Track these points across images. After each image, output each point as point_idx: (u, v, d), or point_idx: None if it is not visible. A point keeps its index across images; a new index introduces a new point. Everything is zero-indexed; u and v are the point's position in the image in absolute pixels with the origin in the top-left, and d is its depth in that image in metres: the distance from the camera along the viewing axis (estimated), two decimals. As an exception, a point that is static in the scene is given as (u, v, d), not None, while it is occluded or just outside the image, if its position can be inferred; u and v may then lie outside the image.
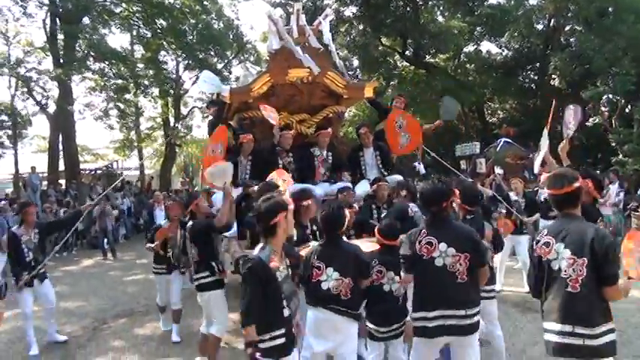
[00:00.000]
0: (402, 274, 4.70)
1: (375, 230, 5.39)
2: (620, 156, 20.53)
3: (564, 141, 5.67)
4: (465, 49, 30.67)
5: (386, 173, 8.30)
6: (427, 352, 4.46)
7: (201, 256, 6.29)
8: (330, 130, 8.49)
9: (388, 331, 4.93)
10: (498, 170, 17.77)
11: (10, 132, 27.11)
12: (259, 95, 8.35)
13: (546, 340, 3.78)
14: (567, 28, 27.72)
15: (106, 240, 17.11)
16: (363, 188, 8.07)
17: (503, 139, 21.56)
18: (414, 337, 4.47)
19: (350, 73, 26.65)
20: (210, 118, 9.68)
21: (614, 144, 21.46)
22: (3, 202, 16.11)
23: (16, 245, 7.49)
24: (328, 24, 9.34)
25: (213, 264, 6.27)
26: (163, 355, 7.24)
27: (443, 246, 4.25)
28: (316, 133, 8.56)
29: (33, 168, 22.05)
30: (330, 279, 4.64)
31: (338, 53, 11.46)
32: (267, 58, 8.91)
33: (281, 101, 8.63)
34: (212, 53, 30.20)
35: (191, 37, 28.94)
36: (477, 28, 28.88)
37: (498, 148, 20.92)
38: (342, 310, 4.61)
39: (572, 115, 6.02)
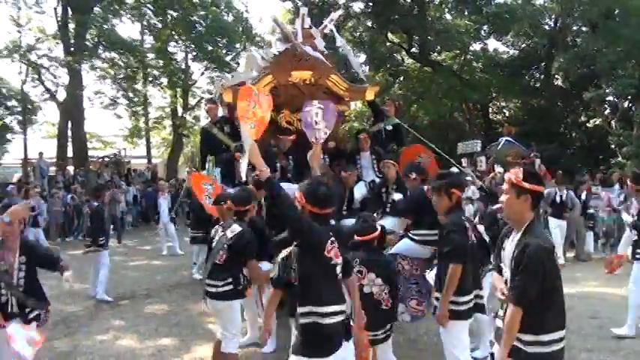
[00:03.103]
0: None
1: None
2: (620, 158, 20.74)
3: (314, 147, 5.08)
4: (472, 48, 30.82)
5: (381, 176, 8.36)
6: None
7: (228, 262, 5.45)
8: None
9: (373, 336, 4.71)
10: (499, 169, 17.97)
11: (20, 117, 27.60)
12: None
13: (550, 352, 3.47)
14: (574, 28, 27.83)
15: (112, 226, 17.49)
16: (359, 190, 8.21)
17: (504, 138, 21.71)
18: None
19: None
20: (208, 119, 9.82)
21: (613, 146, 21.66)
22: (11, 186, 16.59)
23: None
24: (334, 27, 9.65)
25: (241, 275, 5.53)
26: (162, 335, 7.56)
27: None
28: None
29: (40, 154, 22.39)
30: None
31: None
32: (271, 59, 9.03)
33: (282, 100, 8.73)
34: (221, 45, 30.48)
35: (201, 29, 29.25)
36: (484, 27, 29.02)
37: (499, 147, 21.05)
38: None
39: (315, 115, 5.50)
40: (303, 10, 9.24)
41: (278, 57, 8.67)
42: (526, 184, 3.52)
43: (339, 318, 3.94)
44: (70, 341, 7.41)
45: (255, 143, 4.23)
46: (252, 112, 4.23)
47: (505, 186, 3.67)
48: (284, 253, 4.45)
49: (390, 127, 9.43)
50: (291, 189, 7.26)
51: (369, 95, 9.24)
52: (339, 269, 4.01)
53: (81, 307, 9.27)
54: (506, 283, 3.57)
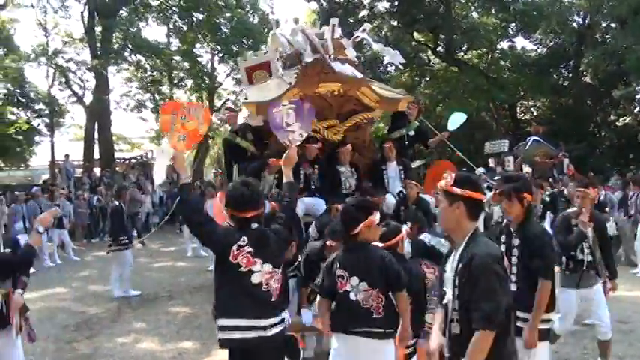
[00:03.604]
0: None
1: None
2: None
3: (288, 150, 4.60)
4: (499, 46, 30.46)
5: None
6: None
7: None
8: (349, 146, 8.20)
9: None
10: (526, 169, 17.69)
11: (47, 120, 27.94)
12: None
13: None
14: (603, 25, 27.33)
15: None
16: (390, 202, 7.93)
17: (532, 137, 21.39)
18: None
19: (381, 69, 26.78)
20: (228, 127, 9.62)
21: (643, 145, 21.25)
22: (35, 188, 16.90)
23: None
24: (367, 36, 9.47)
25: None
26: (183, 338, 7.52)
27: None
28: (337, 149, 8.18)
29: (67, 156, 22.68)
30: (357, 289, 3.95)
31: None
32: (297, 51, 8.65)
33: (309, 108, 8.48)
34: (246, 46, 30.46)
35: (226, 31, 29.31)
36: (511, 25, 28.69)
37: (527, 146, 20.74)
38: (375, 332, 3.94)
39: (286, 115, 5.00)
40: (334, 21, 8.86)
41: (305, 68, 8.16)
42: (457, 190, 3.14)
43: (260, 333, 3.71)
44: (91, 343, 7.40)
45: (180, 153, 4.19)
46: (181, 126, 4.27)
47: (439, 194, 3.33)
48: (328, 259, 4.21)
49: (412, 133, 9.19)
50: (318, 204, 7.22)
51: (402, 107, 8.70)
52: (257, 278, 3.75)
53: (103, 308, 9.30)
54: (446, 307, 3.11)
